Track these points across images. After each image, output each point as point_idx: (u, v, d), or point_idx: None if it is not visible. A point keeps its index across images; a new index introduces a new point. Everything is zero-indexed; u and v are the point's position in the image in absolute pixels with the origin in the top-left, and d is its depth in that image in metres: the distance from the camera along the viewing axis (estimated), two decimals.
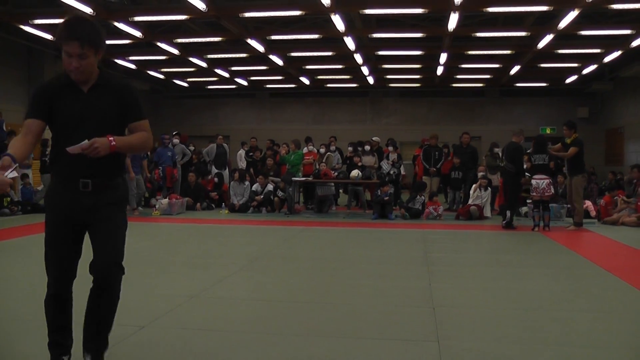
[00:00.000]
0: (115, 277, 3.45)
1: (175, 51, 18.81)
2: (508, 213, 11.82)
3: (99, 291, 3.47)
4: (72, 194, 3.39)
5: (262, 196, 14.55)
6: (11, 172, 3.08)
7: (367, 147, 16.07)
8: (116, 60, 20.94)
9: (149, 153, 15.85)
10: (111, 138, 3.27)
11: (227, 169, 17.26)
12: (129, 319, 4.72)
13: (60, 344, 3.55)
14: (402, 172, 16.18)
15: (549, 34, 16.03)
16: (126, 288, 3.66)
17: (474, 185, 13.79)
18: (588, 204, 13.49)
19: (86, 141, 3.19)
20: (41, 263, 3.46)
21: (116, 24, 15.41)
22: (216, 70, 22.65)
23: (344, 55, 19.66)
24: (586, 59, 20.34)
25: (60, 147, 3.32)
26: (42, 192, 15.33)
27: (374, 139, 16.94)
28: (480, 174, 14.30)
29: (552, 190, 11.50)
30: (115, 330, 3.72)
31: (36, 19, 15.42)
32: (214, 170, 17.13)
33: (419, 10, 14.71)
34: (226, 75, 23.54)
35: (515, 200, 12.25)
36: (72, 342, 3.61)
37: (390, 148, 16.21)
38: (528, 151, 12.91)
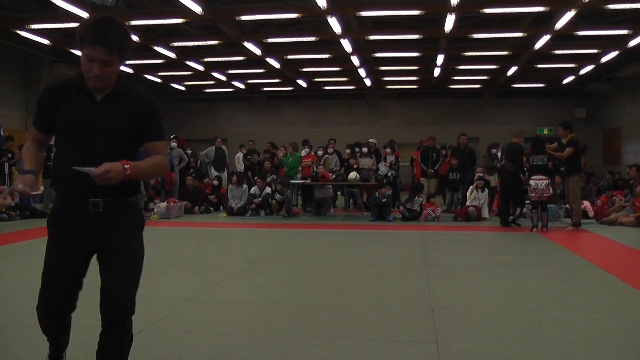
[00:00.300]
0: (128, 317, 3.06)
1: (172, 55, 18.81)
2: (518, 210, 11.95)
3: (111, 332, 3.02)
4: (80, 215, 2.97)
5: (260, 199, 14.55)
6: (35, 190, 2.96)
7: (365, 149, 16.07)
8: None
9: None
10: (127, 165, 2.86)
11: (225, 172, 17.27)
12: None
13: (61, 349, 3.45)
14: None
15: (546, 34, 16.05)
16: None
17: (470, 187, 13.80)
18: (586, 204, 13.51)
19: (95, 169, 2.79)
20: (39, 268, 3.37)
21: None
22: (213, 74, 22.65)
23: (341, 58, 19.68)
24: (583, 60, 20.37)
25: (64, 160, 2.96)
26: (47, 197, 15.35)
27: (370, 140, 16.95)
28: (477, 175, 14.29)
29: (551, 191, 11.50)
30: None
31: (33, 23, 15.42)
32: (214, 172, 17.13)
33: (416, 12, 14.72)
34: (223, 78, 23.54)
35: (521, 197, 12.30)
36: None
37: (388, 150, 16.23)
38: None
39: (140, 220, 3.18)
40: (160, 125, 3.14)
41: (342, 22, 15.11)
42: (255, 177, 15.50)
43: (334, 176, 14.94)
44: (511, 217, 12.41)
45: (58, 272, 3.03)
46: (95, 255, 3.08)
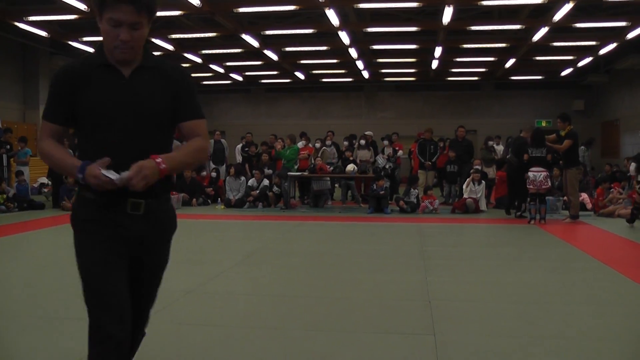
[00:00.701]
0: (143, 331, 2.91)
1: (169, 47, 18.75)
2: (523, 205, 12.01)
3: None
4: (117, 216, 2.53)
5: (258, 191, 14.55)
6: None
7: (363, 142, 16.07)
8: None
9: None
10: (159, 160, 2.45)
11: (224, 165, 17.27)
12: None
13: None
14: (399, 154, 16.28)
15: (544, 26, 16.02)
16: None
17: (467, 180, 13.80)
18: (584, 196, 13.52)
19: (125, 173, 2.38)
20: (37, 259, 3.37)
21: None
22: (211, 66, 22.61)
23: (339, 50, 19.65)
24: (581, 52, 20.35)
25: (92, 152, 2.48)
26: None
27: (367, 133, 16.94)
28: (474, 168, 14.29)
29: (549, 183, 11.52)
30: None
31: (30, 15, 15.37)
32: (212, 165, 17.13)
33: (414, 4, 14.68)
34: (221, 70, 23.50)
35: (525, 191, 12.35)
36: None
37: (386, 142, 16.23)
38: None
39: (175, 225, 2.82)
40: (197, 102, 2.75)
41: (340, 14, 15.07)
42: (253, 170, 15.50)
43: (331, 168, 14.94)
44: (518, 213, 12.43)
45: (104, 268, 2.52)
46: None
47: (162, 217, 2.67)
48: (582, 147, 17.57)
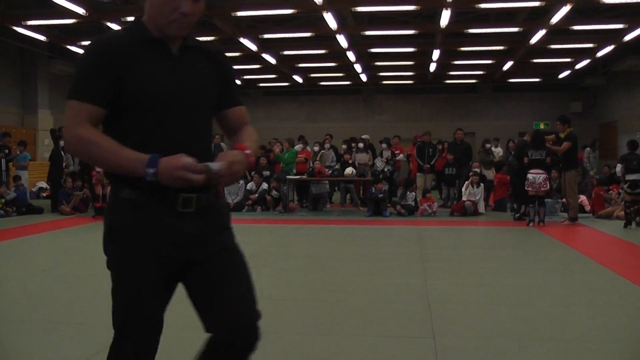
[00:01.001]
0: (258, 335, 2.33)
1: None
2: (522, 207, 12.06)
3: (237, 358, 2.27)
4: (166, 217, 2.11)
5: (257, 195, 14.55)
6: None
7: (361, 145, 16.09)
8: None
9: None
10: (248, 151, 2.16)
11: None
12: None
13: None
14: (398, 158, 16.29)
15: (542, 29, 16.05)
16: None
17: (465, 182, 13.82)
18: (583, 198, 13.54)
19: (216, 164, 2.02)
20: (35, 264, 3.32)
21: (109, 24, 15.37)
22: None
23: (337, 53, 19.66)
24: (579, 54, 20.38)
25: (139, 144, 2.03)
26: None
27: (364, 137, 16.94)
28: (472, 170, 14.30)
29: (548, 186, 11.53)
30: (109, 330, 3.70)
31: (29, 20, 15.38)
32: None
33: (411, 7, 14.71)
34: None
35: (523, 194, 12.42)
36: None
37: (384, 145, 16.24)
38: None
39: (229, 214, 2.43)
40: (237, 87, 2.45)
41: (337, 17, 15.09)
42: (252, 173, 15.49)
43: (330, 172, 14.94)
44: (517, 214, 12.47)
45: (140, 297, 2.16)
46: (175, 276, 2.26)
47: (214, 210, 2.25)
48: (588, 148, 17.55)
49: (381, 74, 24.28)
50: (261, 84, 26.91)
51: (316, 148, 16.15)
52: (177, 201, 2.11)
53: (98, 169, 12.64)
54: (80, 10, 13.72)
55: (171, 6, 2.08)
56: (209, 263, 2.19)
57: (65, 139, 2.05)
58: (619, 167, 12.15)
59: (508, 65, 21.58)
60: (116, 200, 2.14)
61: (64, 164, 14.63)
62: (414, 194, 13.88)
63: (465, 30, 17.21)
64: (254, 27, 17.29)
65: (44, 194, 16.53)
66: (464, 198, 13.59)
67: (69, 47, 18.37)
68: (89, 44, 2.10)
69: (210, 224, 2.21)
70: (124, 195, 2.11)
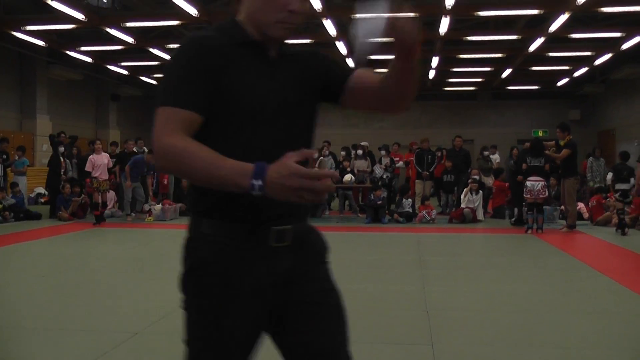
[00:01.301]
0: None
1: (167, 57, 18.78)
2: (516, 210, 12.09)
3: None
4: (258, 255, 1.81)
5: None
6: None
7: (360, 152, 16.09)
8: (108, 66, 20.91)
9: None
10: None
11: None
12: (123, 325, 4.71)
13: None
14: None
15: (540, 37, 16.11)
16: (120, 294, 3.63)
17: (464, 190, 13.83)
18: (581, 206, 13.54)
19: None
20: (34, 270, 3.30)
21: (108, 29, 15.40)
22: None
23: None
24: (577, 62, 20.47)
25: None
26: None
27: (362, 144, 16.96)
28: (472, 178, 14.31)
29: (546, 193, 11.54)
30: (109, 336, 3.69)
31: (28, 25, 15.41)
32: None
33: (410, 15, 14.72)
34: None
35: (521, 200, 12.48)
36: None
37: (383, 152, 16.26)
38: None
39: (326, 244, 2.10)
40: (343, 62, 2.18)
41: (337, 24, 15.12)
42: None
43: None
44: (513, 219, 12.54)
45: (224, 353, 1.84)
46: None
47: (310, 240, 1.99)
48: (591, 158, 17.49)
49: None
50: None
51: (315, 155, 16.15)
52: (269, 235, 1.81)
53: (95, 175, 12.56)
54: (79, 16, 13.75)
55: (278, 4, 1.84)
56: (304, 305, 1.89)
57: (154, 151, 1.72)
58: (609, 176, 12.28)
59: (507, 72, 21.66)
60: (197, 235, 1.82)
61: (62, 170, 14.62)
62: (410, 200, 13.88)
63: (464, 38, 17.26)
64: None
65: (42, 200, 16.50)
66: (462, 205, 13.59)
67: (68, 52, 18.40)
68: (181, 45, 1.84)
69: (304, 258, 1.93)
70: (206, 229, 1.80)
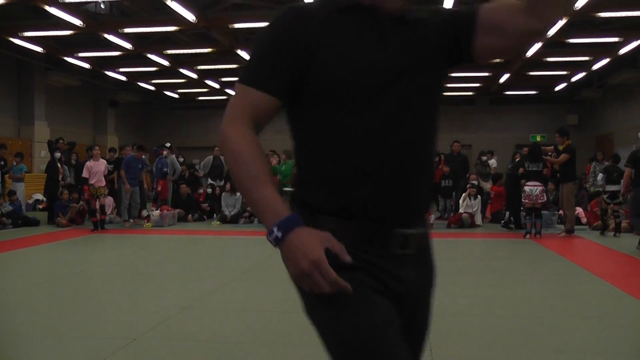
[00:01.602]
0: None
1: (165, 62, 18.82)
2: (507, 214, 12.15)
3: None
4: (384, 261, 1.59)
5: None
6: None
7: None
8: (106, 72, 20.92)
9: (148, 164, 15.94)
10: None
11: (223, 181, 17.25)
12: (121, 331, 4.70)
13: None
14: None
15: (538, 42, 16.12)
16: (118, 300, 3.62)
17: (463, 195, 13.83)
18: (579, 210, 13.55)
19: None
20: (33, 276, 3.29)
21: (106, 35, 15.41)
22: (206, 82, 22.67)
23: None
24: (575, 67, 20.50)
25: (331, 150, 1.55)
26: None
27: None
28: (470, 183, 14.31)
29: (545, 198, 11.55)
30: (107, 342, 3.69)
31: (26, 31, 15.42)
32: (209, 181, 17.11)
33: None
34: (216, 86, 23.57)
35: (516, 204, 12.51)
36: None
37: None
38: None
39: (435, 267, 1.81)
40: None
41: None
42: None
43: None
44: (503, 221, 12.65)
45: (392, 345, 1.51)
46: None
47: (427, 254, 1.75)
48: (594, 163, 17.45)
49: None
50: None
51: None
52: (393, 239, 1.58)
53: (91, 182, 12.48)
54: (77, 22, 13.76)
55: None
56: (410, 328, 1.66)
57: (219, 131, 1.54)
58: (600, 177, 12.36)
59: (504, 77, 21.69)
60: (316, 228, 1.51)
61: (60, 176, 14.61)
62: None
63: None
64: (251, 39, 17.32)
65: (40, 206, 16.48)
66: (461, 210, 13.60)
67: (65, 58, 18.41)
68: (275, 17, 1.64)
69: (422, 275, 1.70)
70: (324, 223, 1.54)
